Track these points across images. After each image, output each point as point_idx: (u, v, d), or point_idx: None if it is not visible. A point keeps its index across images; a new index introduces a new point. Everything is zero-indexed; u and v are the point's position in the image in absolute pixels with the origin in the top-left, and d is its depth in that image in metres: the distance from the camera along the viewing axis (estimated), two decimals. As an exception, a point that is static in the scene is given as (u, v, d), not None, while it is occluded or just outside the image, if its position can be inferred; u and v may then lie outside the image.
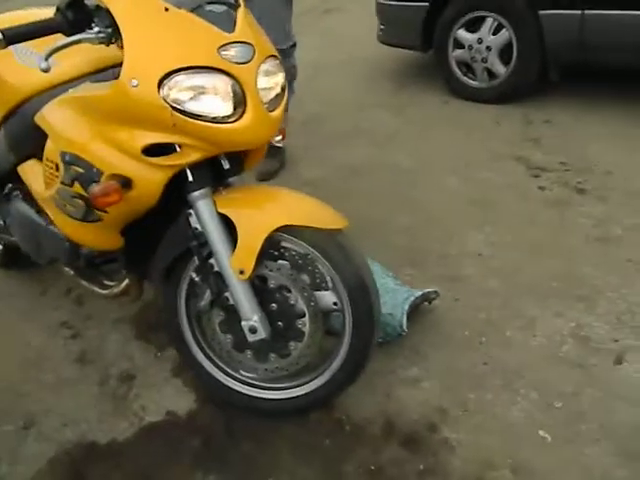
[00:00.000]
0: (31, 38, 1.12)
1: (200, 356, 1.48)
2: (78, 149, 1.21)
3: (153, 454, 1.43)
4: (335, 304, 1.36)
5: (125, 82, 1.08)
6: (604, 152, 2.47)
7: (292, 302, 1.33)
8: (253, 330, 1.32)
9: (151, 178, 1.18)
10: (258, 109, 1.16)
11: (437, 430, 1.38)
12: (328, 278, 1.38)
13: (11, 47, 1.30)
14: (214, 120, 1.12)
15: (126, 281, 1.62)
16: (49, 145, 1.28)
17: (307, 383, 1.42)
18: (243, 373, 1.48)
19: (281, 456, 1.38)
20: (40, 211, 1.58)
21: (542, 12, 2.66)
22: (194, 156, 1.16)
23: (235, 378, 1.48)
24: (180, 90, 1.08)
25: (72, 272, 1.75)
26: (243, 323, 1.32)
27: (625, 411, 1.36)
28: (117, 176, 1.18)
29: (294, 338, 1.36)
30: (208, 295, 1.36)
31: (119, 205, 1.21)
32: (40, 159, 1.44)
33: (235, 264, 1.28)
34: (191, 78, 1.08)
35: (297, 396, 1.43)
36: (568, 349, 1.55)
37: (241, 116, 1.14)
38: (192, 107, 1.10)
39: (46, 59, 1.10)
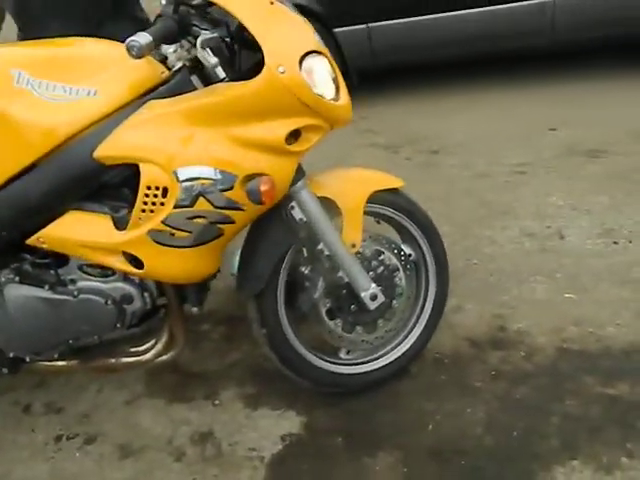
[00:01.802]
0: (167, 41, 1.01)
1: (310, 356, 1.44)
2: (201, 161, 1.10)
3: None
4: (409, 255, 1.52)
5: (273, 70, 1.06)
6: (424, 126, 3.14)
7: (387, 263, 1.45)
8: (374, 297, 1.39)
9: (285, 169, 1.16)
10: (345, 89, 1.26)
11: (507, 328, 1.67)
12: (395, 234, 1.54)
13: (26, 85, 1.13)
14: (332, 99, 1.19)
15: (165, 333, 1.45)
16: (150, 171, 1.10)
17: (407, 338, 1.54)
18: (344, 357, 1.51)
19: (424, 405, 1.47)
20: (61, 283, 1.29)
21: (336, 30, 3.21)
22: (315, 139, 1.19)
23: (342, 364, 1.50)
24: (310, 72, 1.13)
25: (73, 362, 1.45)
26: (363, 294, 1.38)
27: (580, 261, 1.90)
28: (251, 176, 1.12)
29: (396, 296, 1.47)
30: (321, 283, 1.37)
31: (252, 207, 1.16)
32: (80, 209, 1.21)
33: (347, 240, 1.34)
34: (315, 61, 1.14)
35: (403, 353, 1.53)
36: (529, 243, 2.03)
37: (339, 95, 1.23)
38: (319, 88, 1.15)
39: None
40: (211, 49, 1.15)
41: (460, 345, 1.64)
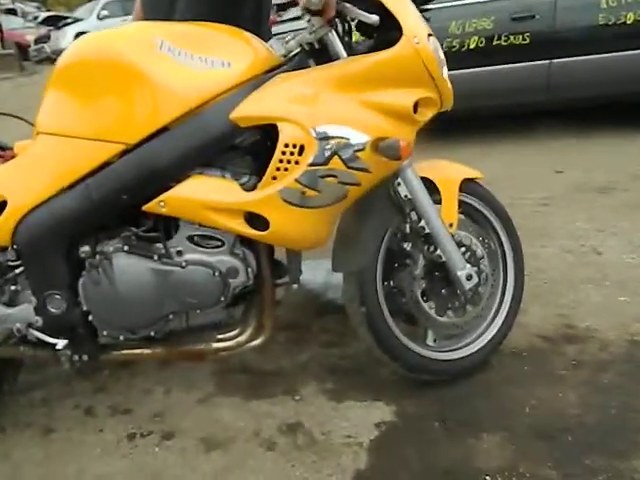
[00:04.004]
0: None
1: (403, 338, 1.44)
2: (338, 120, 1.16)
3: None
4: (490, 244, 1.59)
5: (410, 41, 1.17)
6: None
7: (474, 249, 1.50)
8: (469, 277, 1.43)
9: (408, 136, 1.23)
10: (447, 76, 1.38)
11: (575, 326, 1.72)
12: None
13: (168, 51, 1.20)
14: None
15: (254, 318, 1.43)
16: (288, 129, 1.14)
17: (490, 327, 1.57)
18: (431, 344, 1.51)
19: (515, 393, 1.47)
20: (168, 255, 1.28)
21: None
22: (429, 114, 1.28)
23: (431, 349, 1.50)
24: (435, 49, 1.24)
25: (158, 349, 1.40)
26: (459, 273, 1.42)
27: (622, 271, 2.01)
28: (381, 139, 1.19)
29: (482, 282, 1.51)
30: (421, 260, 1.41)
31: (379, 169, 1.22)
32: (202, 174, 1.23)
33: (445, 219, 1.40)
34: (436, 41, 1.26)
35: (486, 342, 1.55)
36: (571, 258, 2.14)
37: (447, 79, 1.34)
38: (439, 64, 1.26)
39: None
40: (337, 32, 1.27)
41: (534, 341, 1.68)
